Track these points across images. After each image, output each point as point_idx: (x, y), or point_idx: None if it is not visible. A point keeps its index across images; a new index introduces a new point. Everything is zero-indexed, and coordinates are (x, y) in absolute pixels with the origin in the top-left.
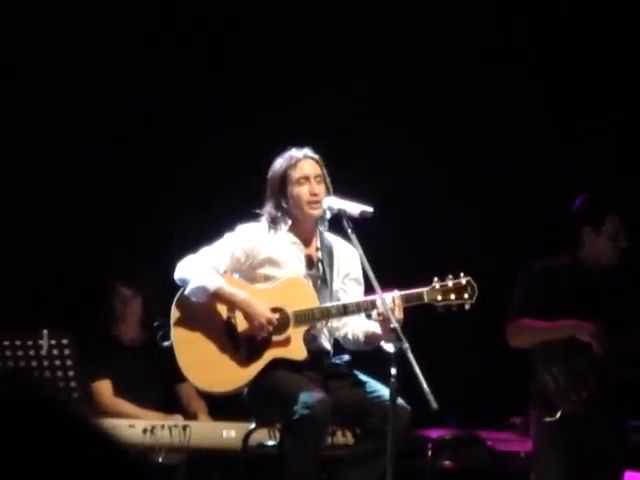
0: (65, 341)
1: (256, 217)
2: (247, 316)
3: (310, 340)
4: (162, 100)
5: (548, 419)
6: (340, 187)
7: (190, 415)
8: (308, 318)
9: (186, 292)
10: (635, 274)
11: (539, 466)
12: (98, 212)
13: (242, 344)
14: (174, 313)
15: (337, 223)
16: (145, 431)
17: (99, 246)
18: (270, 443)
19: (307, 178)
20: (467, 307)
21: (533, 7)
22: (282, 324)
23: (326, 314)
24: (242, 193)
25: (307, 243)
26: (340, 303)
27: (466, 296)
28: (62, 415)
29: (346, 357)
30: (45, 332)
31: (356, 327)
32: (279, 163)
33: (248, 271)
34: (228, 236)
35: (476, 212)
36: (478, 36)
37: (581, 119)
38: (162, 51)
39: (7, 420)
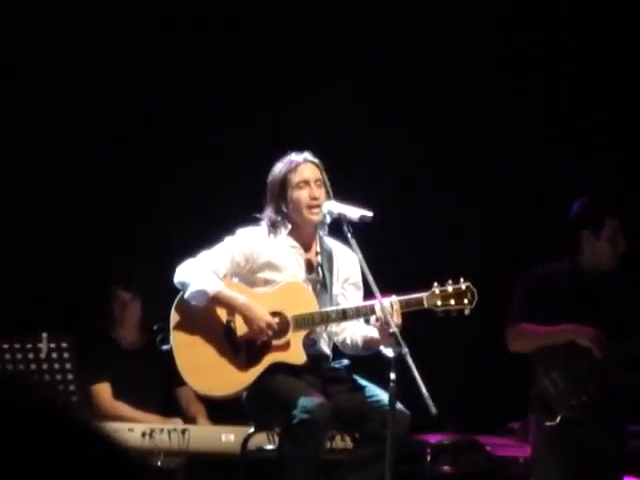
0: (64, 344)
1: (256, 221)
2: (247, 320)
3: (309, 344)
4: (162, 102)
5: (548, 423)
6: (340, 191)
7: (189, 419)
8: (308, 322)
9: (186, 296)
10: (634, 278)
11: (538, 471)
12: (98, 215)
13: (241, 348)
14: (173, 317)
15: (337, 227)
16: (144, 435)
17: (98, 249)
18: (269, 447)
19: (307, 182)
20: (467, 312)
21: (533, 7)
22: (282, 328)
23: (326, 319)
24: (242, 197)
25: (307, 247)
26: (340, 308)
27: (466, 301)
28: (62, 418)
29: (345, 361)
30: (44, 335)
31: (354, 332)
32: (279, 167)
33: (248, 275)
34: (228, 240)
35: (476, 217)
36: (478, 37)
37: (581, 121)
38: (162, 52)
39: (7, 422)
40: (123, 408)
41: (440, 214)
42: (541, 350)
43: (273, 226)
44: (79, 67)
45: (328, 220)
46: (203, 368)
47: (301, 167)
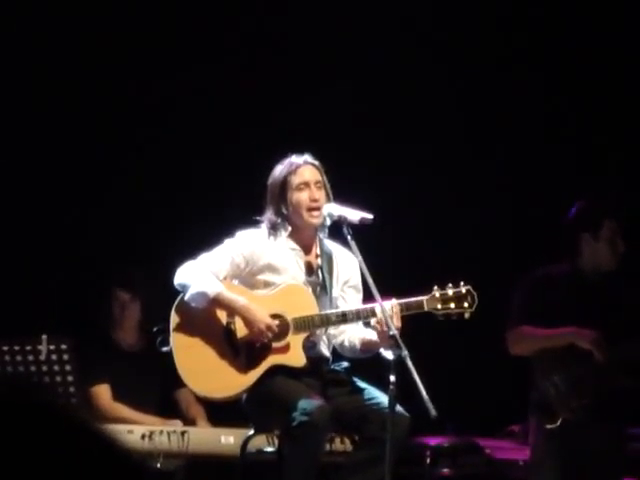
0: (64, 346)
1: (256, 223)
2: (247, 322)
3: (309, 347)
4: (162, 104)
5: (549, 426)
6: (340, 194)
7: (189, 421)
8: (308, 325)
9: (186, 298)
10: (634, 280)
11: (538, 474)
12: (97, 216)
13: (241, 350)
14: (173, 318)
15: (337, 230)
16: (143, 437)
17: (98, 250)
18: (269, 449)
19: (307, 184)
20: (467, 316)
21: (533, 7)
22: (281, 331)
23: (326, 321)
24: (242, 199)
25: (307, 250)
26: (340, 310)
27: (466, 305)
28: (63, 419)
29: (345, 364)
30: (44, 337)
31: (353, 334)
32: (279, 169)
33: (248, 277)
34: (228, 242)
35: (476, 220)
36: (478, 37)
37: (581, 122)
38: (162, 52)
39: (8, 424)
40: (123, 410)
41: (440, 216)
42: (541, 353)
43: (273, 228)
44: (79, 67)
45: (328, 222)
46: (203, 370)
47: (301, 169)
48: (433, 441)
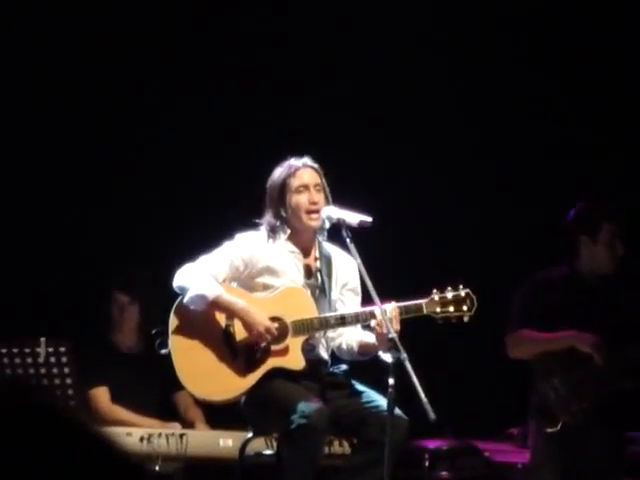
0: (63, 349)
1: (255, 226)
2: (246, 325)
3: (308, 350)
4: (161, 106)
5: (549, 430)
6: (339, 196)
7: (187, 424)
8: (307, 328)
9: (185, 300)
10: (633, 282)
11: (537, 477)
12: (97, 218)
13: (240, 353)
14: (172, 321)
15: (336, 233)
16: (142, 439)
17: (97, 253)
18: (267, 452)
19: (306, 187)
20: (466, 319)
21: (533, 7)
22: (281, 333)
23: (325, 324)
24: (241, 201)
25: (306, 252)
26: (339, 313)
27: (465, 308)
28: (62, 421)
29: (344, 367)
30: (43, 340)
31: (350, 337)
32: (278, 172)
33: (247, 280)
34: (227, 245)
35: (476, 223)
36: (478, 37)
37: (581, 123)
38: (162, 52)
39: (7, 426)
40: (121, 412)
41: (439, 220)
42: (541, 356)
43: (272, 231)
44: (79, 67)
45: (327, 225)
46: (202, 373)
47: (300, 172)
48: (432, 444)
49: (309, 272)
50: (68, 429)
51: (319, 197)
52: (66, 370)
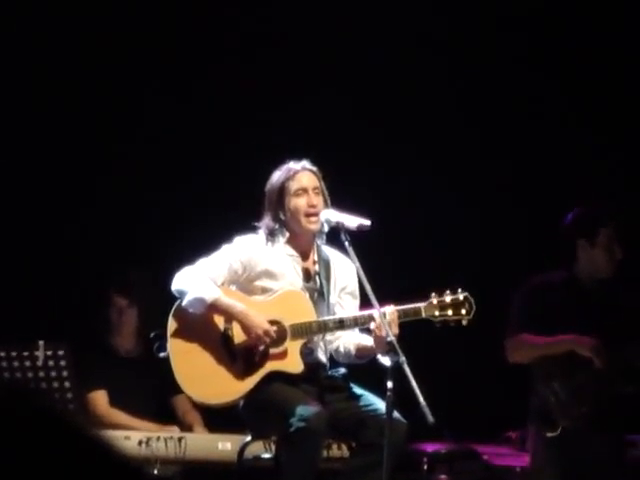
0: (61, 352)
1: (254, 229)
2: (244, 328)
3: (307, 353)
4: (160, 109)
5: (550, 434)
6: (338, 200)
7: (186, 427)
8: (305, 331)
9: (183, 303)
10: (632, 286)
11: None
12: (95, 221)
13: (239, 356)
14: (171, 324)
15: (335, 236)
16: (140, 443)
17: (96, 256)
18: (266, 456)
19: (305, 190)
20: (464, 323)
21: (533, 7)
22: (279, 337)
23: (323, 327)
24: (240, 204)
25: (304, 256)
26: (337, 317)
27: (463, 312)
28: (61, 425)
29: (342, 370)
30: (41, 343)
31: (348, 340)
32: (277, 175)
33: (245, 283)
34: (226, 248)
35: (475, 227)
36: (478, 37)
37: (582, 126)
38: (161, 53)
39: (7, 430)
40: (119, 416)
41: (438, 223)
42: (541, 360)
43: (271, 234)
44: (79, 67)
45: (326, 228)
46: (200, 376)
47: (299, 175)
48: (430, 447)
49: (308, 275)
50: (67, 433)
51: (318, 200)
52: (64, 373)
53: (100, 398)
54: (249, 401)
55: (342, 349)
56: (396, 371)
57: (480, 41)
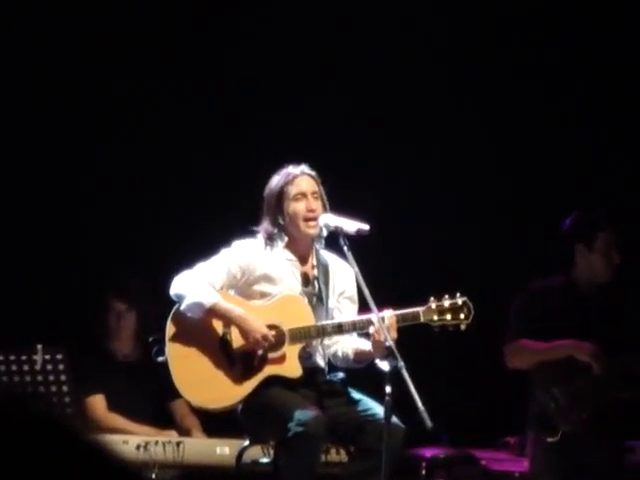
0: (59, 356)
1: (253, 233)
2: (243, 332)
3: (305, 358)
4: (160, 111)
5: (550, 439)
6: (336, 204)
7: (184, 432)
8: (304, 336)
9: (182, 307)
10: (630, 291)
11: None
12: (94, 226)
13: (237, 360)
14: (169, 328)
15: (333, 240)
16: (139, 447)
17: (94, 260)
18: (264, 460)
19: (304, 194)
20: (463, 327)
21: (533, 7)
22: (278, 341)
23: (322, 332)
24: (239, 209)
25: (303, 260)
26: (336, 321)
27: (462, 316)
28: (60, 430)
29: (341, 375)
30: (39, 347)
31: (346, 344)
32: (276, 180)
33: (244, 287)
34: (224, 252)
35: (474, 231)
36: (478, 37)
37: (582, 127)
38: (161, 54)
39: (4, 435)
40: (118, 420)
41: (437, 227)
42: (540, 366)
43: (270, 239)
44: (79, 67)
45: (325, 233)
46: (198, 380)
47: (298, 179)
48: (429, 452)
49: (306, 280)
50: (64, 437)
51: (317, 205)
52: (63, 378)
53: (98, 402)
54: (247, 405)
55: (340, 353)
56: (394, 376)
57: (480, 41)
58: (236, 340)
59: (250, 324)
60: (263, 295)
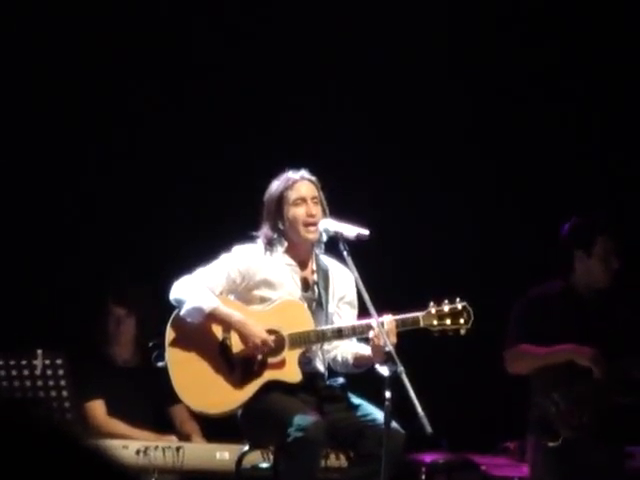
0: (59, 361)
1: (252, 238)
2: (242, 337)
3: (305, 363)
4: (159, 114)
5: (551, 444)
6: (336, 209)
7: (183, 437)
8: (303, 341)
9: (182, 313)
10: (629, 296)
11: None
12: (93, 231)
13: (237, 365)
14: (169, 333)
15: (333, 245)
16: (138, 452)
17: (93, 265)
18: (264, 465)
19: (304, 199)
20: (462, 332)
21: (533, 8)
22: (277, 346)
23: (322, 337)
24: (239, 214)
25: (303, 265)
26: (335, 326)
27: (462, 321)
28: (58, 435)
29: (341, 380)
30: (39, 352)
31: (345, 349)
32: (276, 185)
33: (244, 292)
34: (224, 257)
35: (473, 236)
36: (478, 37)
37: (583, 135)
38: (161, 55)
39: (3, 440)
40: (117, 425)
41: (437, 232)
42: (541, 371)
43: (269, 244)
44: (79, 67)
45: (324, 238)
46: (198, 385)
47: (298, 184)
48: (428, 457)
49: (306, 285)
50: (64, 442)
51: (316, 210)
52: (62, 383)
53: (98, 407)
54: (247, 410)
55: (340, 358)
56: (394, 381)
57: (480, 41)
58: (236, 345)
59: (250, 329)
60: (263, 300)
